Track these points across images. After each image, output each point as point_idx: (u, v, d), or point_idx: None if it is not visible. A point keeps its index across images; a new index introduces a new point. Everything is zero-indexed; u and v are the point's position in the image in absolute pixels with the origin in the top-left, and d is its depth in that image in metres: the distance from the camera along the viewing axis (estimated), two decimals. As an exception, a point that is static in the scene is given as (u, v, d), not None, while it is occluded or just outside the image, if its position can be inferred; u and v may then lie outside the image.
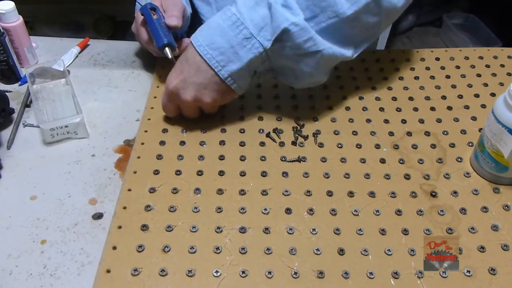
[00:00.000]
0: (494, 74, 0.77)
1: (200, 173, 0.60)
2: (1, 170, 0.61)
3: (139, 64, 0.79)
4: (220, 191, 0.58)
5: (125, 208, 0.56)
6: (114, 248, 0.52)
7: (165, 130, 0.66)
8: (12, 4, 0.74)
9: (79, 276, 0.51)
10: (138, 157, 0.62)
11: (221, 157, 0.62)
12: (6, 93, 0.69)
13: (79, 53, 0.83)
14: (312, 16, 0.58)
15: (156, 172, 0.60)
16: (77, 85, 0.73)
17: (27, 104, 0.72)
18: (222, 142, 0.64)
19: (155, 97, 0.71)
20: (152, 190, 0.58)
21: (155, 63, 0.78)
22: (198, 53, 0.59)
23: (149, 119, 0.68)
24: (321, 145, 0.64)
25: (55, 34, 0.91)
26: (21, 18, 0.76)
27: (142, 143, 0.64)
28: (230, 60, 0.59)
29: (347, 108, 0.70)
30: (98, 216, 0.57)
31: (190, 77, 0.60)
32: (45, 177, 0.61)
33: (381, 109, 0.70)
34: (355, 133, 0.66)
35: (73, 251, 0.53)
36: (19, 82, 0.76)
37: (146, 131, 0.66)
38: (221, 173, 0.60)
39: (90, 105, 0.72)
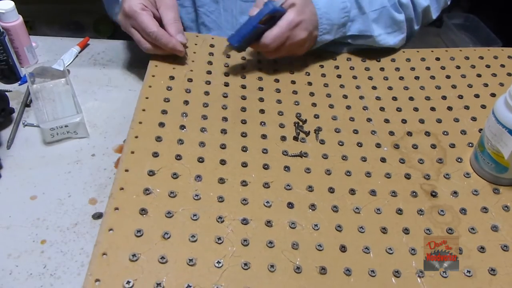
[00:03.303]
0: (494, 74, 0.77)
1: (201, 160, 0.59)
2: (1, 170, 0.61)
3: (139, 63, 0.79)
4: (221, 180, 0.57)
5: (122, 189, 0.54)
6: (111, 230, 0.50)
7: (164, 112, 0.64)
8: (12, 3, 0.74)
9: (79, 276, 0.51)
10: (136, 137, 0.60)
11: (223, 146, 0.61)
12: (6, 93, 0.69)
13: (79, 52, 0.83)
14: (386, 32, 0.77)
15: (155, 155, 0.58)
16: (77, 85, 0.73)
17: (27, 103, 0.71)
18: (223, 131, 0.63)
19: (153, 76, 0.70)
20: (151, 173, 0.56)
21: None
22: (316, 11, 0.70)
23: (147, 98, 0.66)
24: (322, 142, 0.64)
25: (55, 34, 0.90)
26: (21, 18, 0.76)
27: (140, 122, 0.62)
28: (328, 32, 0.73)
29: (348, 107, 0.70)
30: (98, 216, 0.56)
31: (307, 21, 0.69)
32: (45, 177, 0.61)
33: (382, 109, 0.70)
34: (356, 131, 0.66)
35: (73, 251, 0.53)
36: (19, 82, 0.76)
37: (144, 110, 0.64)
38: (223, 162, 0.59)
39: (90, 105, 0.72)
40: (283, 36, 0.67)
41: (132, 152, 0.58)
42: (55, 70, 0.74)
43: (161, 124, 0.62)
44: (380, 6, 0.75)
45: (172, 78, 0.70)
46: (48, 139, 0.65)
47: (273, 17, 0.66)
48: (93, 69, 0.79)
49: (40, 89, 0.73)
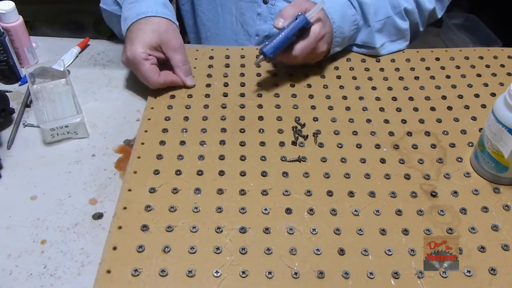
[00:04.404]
0: (494, 74, 0.77)
1: (200, 173, 0.60)
2: (1, 170, 0.61)
3: (139, 64, 0.79)
4: (220, 191, 0.58)
5: (125, 208, 0.56)
6: (115, 248, 0.52)
7: (165, 130, 0.66)
8: (12, 4, 0.74)
9: (79, 276, 0.51)
10: (138, 157, 0.62)
11: (221, 157, 0.62)
12: (6, 93, 0.69)
13: (79, 53, 0.83)
14: (390, 40, 0.80)
15: (156, 172, 0.60)
16: (77, 85, 0.73)
17: (27, 104, 0.71)
18: (222, 142, 0.64)
19: (155, 98, 0.71)
20: (152, 190, 0.58)
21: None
22: (331, 26, 0.72)
23: (149, 119, 0.68)
24: (321, 145, 0.64)
25: (55, 34, 0.90)
26: (21, 18, 0.76)
27: (142, 143, 0.64)
28: (340, 44, 0.76)
29: (347, 108, 0.70)
30: (98, 216, 0.57)
31: (328, 35, 0.72)
32: (45, 177, 0.61)
33: (381, 109, 0.70)
34: (355, 133, 0.66)
35: (73, 251, 0.53)
36: (19, 82, 0.76)
37: (146, 131, 0.66)
38: (221, 173, 0.60)
39: (90, 105, 0.72)
40: (310, 48, 0.70)
41: (135, 172, 0.60)
42: (55, 70, 0.74)
43: (162, 143, 0.64)
44: (385, 16, 0.76)
45: (173, 97, 0.71)
46: (48, 139, 0.65)
47: (302, 29, 0.69)
48: (93, 69, 0.79)
49: (40, 89, 0.73)
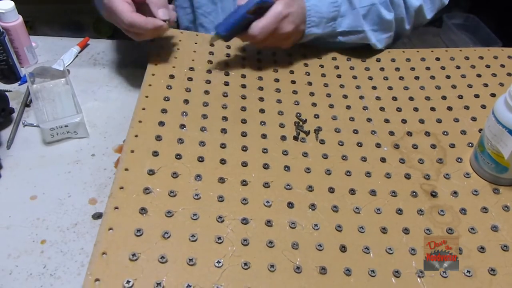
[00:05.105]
0: (494, 75, 0.77)
1: (201, 159, 0.59)
2: (1, 170, 0.61)
3: (139, 64, 0.79)
4: (221, 180, 0.57)
5: (122, 188, 0.54)
6: (110, 229, 0.50)
7: (164, 111, 0.64)
8: (12, 3, 0.75)
9: (79, 276, 0.51)
10: (136, 136, 0.60)
11: (223, 145, 0.61)
12: (6, 93, 0.69)
13: (79, 52, 0.83)
14: (375, 29, 0.77)
15: (155, 154, 0.58)
16: (77, 85, 0.73)
17: (27, 103, 0.72)
18: (223, 130, 0.63)
19: (153, 75, 0.70)
20: (151, 172, 0.56)
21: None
22: (305, 5, 0.70)
23: (147, 97, 0.66)
24: (322, 141, 0.64)
25: (55, 34, 0.90)
26: (21, 18, 0.76)
27: (140, 121, 0.62)
28: (317, 25, 0.73)
29: (348, 107, 0.70)
30: (98, 216, 0.57)
31: (294, 15, 0.69)
32: (45, 177, 0.61)
33: (382, 109, 0.70)
34: (355, 131, 0.66)
35: (73, 251, 0.53)
36: (19, 82, 0.76)
37: (144, 109, 0.64)
38: (223, 161, 0.59)
39: (90, 105, 0.72)
40: (270, 28, 0.67)
41: (132, 151, 0.58)
42: (55, 70, 0.74)
43: (161, 123, 0.62)
44: (370, 3, 0.74)
45: (172, 77, 0.70)
46: (48, 139, 0.65)
47: (261, 7, 0.67)
48: (93, 69, 0.80)
49: (40, 89, 0.73)
